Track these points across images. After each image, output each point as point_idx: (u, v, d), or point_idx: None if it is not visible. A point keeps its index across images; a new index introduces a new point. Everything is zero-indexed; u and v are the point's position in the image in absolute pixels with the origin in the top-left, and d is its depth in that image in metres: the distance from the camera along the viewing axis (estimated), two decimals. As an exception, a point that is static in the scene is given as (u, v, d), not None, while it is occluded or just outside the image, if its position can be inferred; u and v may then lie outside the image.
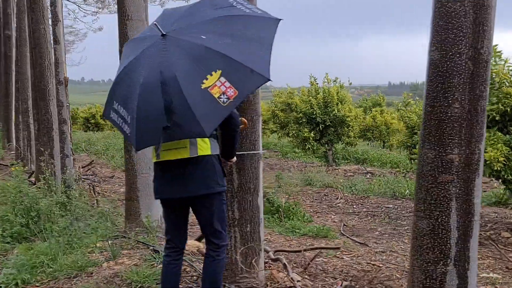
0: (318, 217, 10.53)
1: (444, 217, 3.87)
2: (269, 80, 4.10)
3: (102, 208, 8.72)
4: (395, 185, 13.29)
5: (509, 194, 9.24)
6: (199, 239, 7.69)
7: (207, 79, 3.91)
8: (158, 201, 6.93)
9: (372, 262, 7.40)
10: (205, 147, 4.65)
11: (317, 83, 17.11)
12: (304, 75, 22.88)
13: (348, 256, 7.73)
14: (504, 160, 8.05)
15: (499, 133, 8.33)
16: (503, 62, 9.00)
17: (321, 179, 13.94)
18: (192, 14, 4.46)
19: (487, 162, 8.07)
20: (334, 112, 15.57)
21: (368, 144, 19.60)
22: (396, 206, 11.50)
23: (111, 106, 4.40)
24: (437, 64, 3.83)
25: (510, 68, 8.94)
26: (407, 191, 12.49)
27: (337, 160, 16.59)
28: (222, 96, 3.91)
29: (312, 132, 15.69)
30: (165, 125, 4.01)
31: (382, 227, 9.74)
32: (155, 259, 6.31)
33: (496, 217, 10.31)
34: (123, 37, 7.22)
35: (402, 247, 8.30)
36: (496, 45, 8.96)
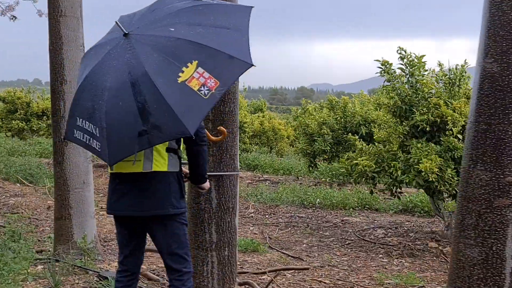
0: (240, 229, 10.03)
1: (499, 245, 3.55)
2: (252, 65, 3.69)
3: (10, 227, 7.70)
4: (302, 193, 13.09)
5: (434, 207, 9.27)
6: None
7: (183, 72, 3.57)
8: (93, 220, 6.20)
9: (317, 279, 7.07)
10: (162, 162, 4.12)
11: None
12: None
13: (289, 272, 7.34)
14: (437, 171, 8.01)
15: (432, 144, 8.31)
16: (426, 73, 9.04)
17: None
18: (154, 11, 4.01)
19: (422, 173, 8.01)
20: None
21: (255, 150, 19.37)
22: (309, 216, 11.28)
23: (73, 125, 3.87)
24: (496, 77, 3.50)
25: (435, 77, 8.99)
26: (318, 200, 12.32)
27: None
28: (202, 88, 3.55)
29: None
30: (141, 129, 3.54)
31: (307, 238, 9.45)
32: (105, 287, 5.57)
33: (413, 225, 10.38)
34: (56, 35, 6.36)
35: (337, 260, 8.03)
36: (424, 55, 8.97)
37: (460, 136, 8.28)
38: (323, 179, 15.16)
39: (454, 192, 8.31)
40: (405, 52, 9.00)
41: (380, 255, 8.38)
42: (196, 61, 3.56)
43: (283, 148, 19.62)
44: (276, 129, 20.04)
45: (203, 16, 3.81)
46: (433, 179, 7.98)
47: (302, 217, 11.25)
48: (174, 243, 4.22)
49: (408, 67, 8.94)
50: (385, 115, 9.76)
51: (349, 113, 14.67)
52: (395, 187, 9.02)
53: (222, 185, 5.04)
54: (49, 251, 6.94)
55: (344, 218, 11.12)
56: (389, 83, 9.05)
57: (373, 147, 8.97)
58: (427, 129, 8.49)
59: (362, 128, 14.27)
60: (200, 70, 3.54)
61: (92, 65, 3.84)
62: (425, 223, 10.65)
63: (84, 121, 3.77)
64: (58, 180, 6.48)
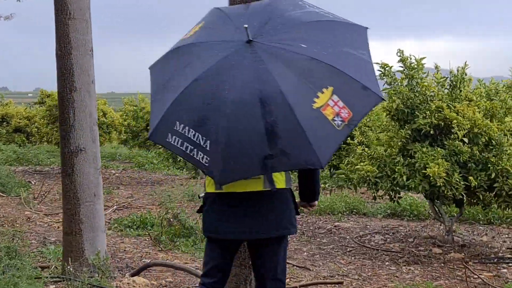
0: (229, 238, 9.73)
1: None
2: (383, 100, 3.43)
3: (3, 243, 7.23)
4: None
5: (434, 211, 9.15)
6: (137, 273, 6.65)
7: (318, 97, 3.25)
8: (104, 235, 5.84)
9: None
10: (281, 179, 3.80)
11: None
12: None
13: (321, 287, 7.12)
14: (445, 176, 7.88)
15: (438, 148, 8.18)
16: (425, 75, 8.92)
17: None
18: (271, 15, 3.59)
19: (430, 178, 7.87)
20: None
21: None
22: (299, 222, 11.01)
23: (168, 128, 3.39)
24: None
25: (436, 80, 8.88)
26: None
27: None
28: (336, 118, 3.24)
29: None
30: (267, 153, 3.18)
31: (305, 246, 9.20)
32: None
33: (408, 230, 10.27)
34: (64, 40, 5.94)
35: (345, 269, 7.82)
36: (424, 57, 8.85)
37: (465, 140, 8.17)
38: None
39: (460, 197, 8.20)
40: (403, 54, 8.89)
41: (387, 263, 8.20)
42: (332, 87, 3.26)
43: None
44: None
45: (329, 34, 3.50)
46: (441, 183, 7.85)
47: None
48: (279, 268, 3.96)
49: (408, 70, 8.81)
50: (382, 119, 9.62)
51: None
52: (394, 192, 8.88)
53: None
54: (55, 267, 6.52)
55: (335, 223, 10.91)
56: (389, 86, 8.90)
57: (375, 151, 8.78)
58: (431, 132, 8.37)
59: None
60: (335, 97, 3.25)
61: (202, 67, 3.42)
62: (419, 228, 10.54)
63: (188, 129, 3.34)
64: (68, 193, 6.05)
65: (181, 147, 3.38)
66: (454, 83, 8.81)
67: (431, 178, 7.83)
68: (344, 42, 3.50)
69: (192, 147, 3.34)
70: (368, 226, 10.68)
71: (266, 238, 3.84)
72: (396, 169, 8.30)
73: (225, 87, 3.33)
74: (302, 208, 4.21)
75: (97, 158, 6.16)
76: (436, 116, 8.36)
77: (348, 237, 9.74)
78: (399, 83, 8.82)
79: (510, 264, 8.07)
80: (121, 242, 9.04)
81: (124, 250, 8.41)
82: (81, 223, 6.02)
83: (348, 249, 8.95)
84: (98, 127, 6.32)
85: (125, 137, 19.80)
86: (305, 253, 8.75)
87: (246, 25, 3.42)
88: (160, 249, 8.57)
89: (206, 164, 3.31)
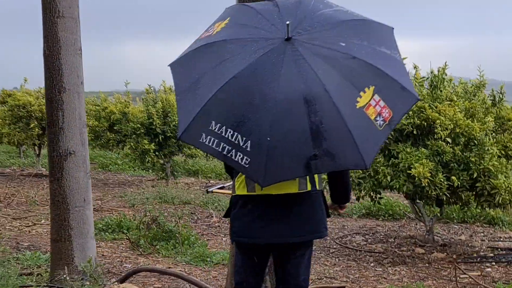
0: (208, 239, 9.55)
1: None
2: (419, 100, 3.37)
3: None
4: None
5: (414, 211, 9.18)
6: (124, 279, 6.45)
7: (360, 96, 3.20)
8: (93, 241, 5.64)
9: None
10: (315, 180, 3.68)
11: (155, 92, 16.05)
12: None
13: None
14: (429, 176, 7.88)
15: (423, 149, 8.17)
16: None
17: (178, 196, 12.88)
18: (305, 11, 3.49)
19: (415, 179, 7.86)
20: (174, 122, 14.62)
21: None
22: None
23: (202, 128, 3.22)
24: None
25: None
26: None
27: (175, 173, 15.63)
28: (378, 118, 3.21)
29: (153, 143, 14.58)
30: (311, 153, 3.08)
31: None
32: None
33: (387, 231, 10.28)
34: (52, 39, 5.69)
35: (331, 271, 7.73)
36: (405, 57, 8.82)
37: (449, 140, 8.20)
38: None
39: (444, 197, 8.22)
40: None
41: (372, 264, 8.16)
42: (373, 87, 3.20)
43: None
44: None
45: (363, 33, 3.42)
46: (425, 184, 7.85)
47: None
48: (304, 273, 3.83)
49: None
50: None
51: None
52: (375, 193, 8.86)
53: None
54: (39, 274, 6.26)
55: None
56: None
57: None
58: (414, 132, 8.37)
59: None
60: (376, 97, 3.20)
61: (240, 65, 3.24)
62: (396, 227, 10.57)
63: (226, 129, 3.17)
64: (56, 198, 5.78)
65: (217, 148, 3.20)
66: (434, 83, 8.82)
67: (416, 179, 7.82)
68: (378, 41, 3.42)
69: (229, 148, 3.17)
70: (346, 227, 10.65)
71: (300, 242, 3.73)
72: (380, 170, 8.27)
73: (267, 85, 3.18)
74: (333, 210, 4.11)
75: (86, 162, 5.92)
76: (418, 116, 8.36)
77: (328, 238, 9.67)
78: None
79: (494, 263, 8.13)
80: (98, 246, 8.76)
81: (102, 255, 8.14)
82: (70, 229, 5.78)
83: (331, 251, 8.89)
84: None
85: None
86: (288, 255, 8.62)
87: (288, 22, 3.31)
88: (139, 253, 8.34)
89: (246, 166, 3.16)
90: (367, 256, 8.56)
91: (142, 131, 14.84)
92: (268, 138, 3.12)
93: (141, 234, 8.87)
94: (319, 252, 8.81)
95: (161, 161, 15.38)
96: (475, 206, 9.00)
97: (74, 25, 5.73)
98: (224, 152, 3.19)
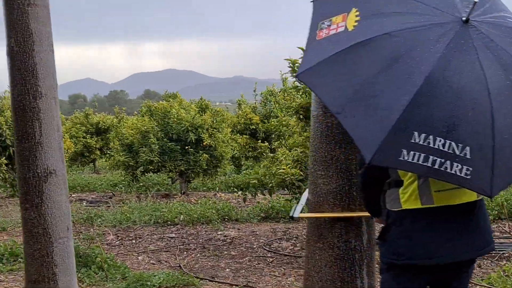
0: (123, 260, 8.54)
1: None
2: None
3: None
4: (150, 210, 11.80)
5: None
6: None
7: None
8: (75, 278, 4.80)
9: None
10: None
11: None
12: None
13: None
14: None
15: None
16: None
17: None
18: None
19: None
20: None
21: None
22: (183, 235, 10.12)
23: (402, 143, 2.69)
24: None
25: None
26: (182, 216, 11.17)
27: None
28: None
29: (3, 157, 12.79)
30: None
31: (220, 261, 8.40)
32: None
33: (303, 234, 9.98)
34: (23, 32, 4.51)
35: (287, 282, 7.27)
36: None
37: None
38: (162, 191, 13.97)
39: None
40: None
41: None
42: None
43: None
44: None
45: None
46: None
47: (173, 237, 10.06)
48: None
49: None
50: (289, 121, 9.22)
51: (174, 119, 13.67)
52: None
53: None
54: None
55: (219, 233, 10.26)
56: (300, 85, 8.51)
57: (296, 153, 8.32)
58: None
59: (190, 134, 13.41)
60: None
61: (426, 62, 2.71)
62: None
63: (433, 138, 2.66)
64: (35, 229, 4.57)
65: (425, 163, 2.69)
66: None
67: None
68: None
69: (442, 160, 2.69)
70: (256, 232, 10.19)
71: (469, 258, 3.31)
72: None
73: (468, 77, 2.75)
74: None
75: (66, 182, 4.86)
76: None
77: (255, 246, 9.15)
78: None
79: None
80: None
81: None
82: (55, 266, 4.62)
83: (269, 260, 8.38)
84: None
85: None
86: (227, 269, 7.97)
87: (476, 0, 2.84)
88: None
89: (468, 177, 2.70)
90: (310, 262, 8.17)
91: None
92: (491, 140, 2.72)
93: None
94: (257, 262, 8.31)
95: (13, 176, 13.73)
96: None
97: (47, 16, 4.64)
98: (436, 166, 2.71)
